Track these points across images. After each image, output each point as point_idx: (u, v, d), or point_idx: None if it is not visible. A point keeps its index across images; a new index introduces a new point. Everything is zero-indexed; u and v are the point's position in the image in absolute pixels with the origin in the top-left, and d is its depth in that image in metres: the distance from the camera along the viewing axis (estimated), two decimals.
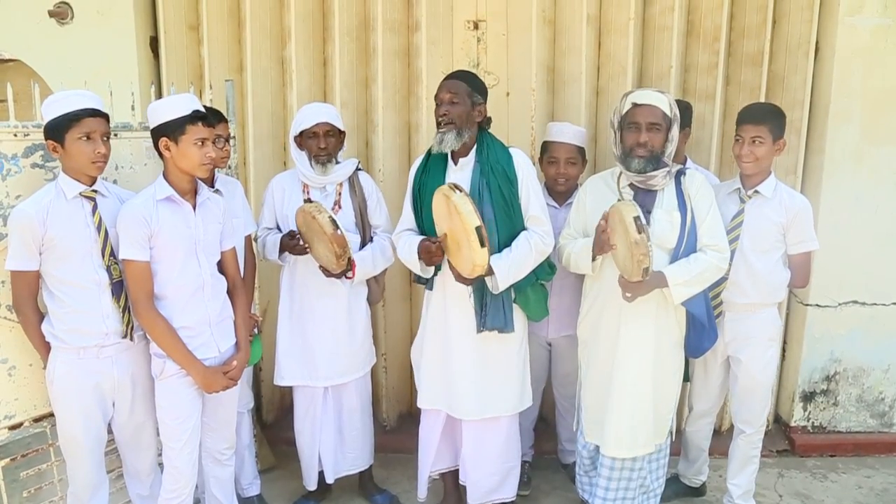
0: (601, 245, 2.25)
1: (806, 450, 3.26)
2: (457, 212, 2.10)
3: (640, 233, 2.04)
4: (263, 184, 2.79)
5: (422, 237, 2.37)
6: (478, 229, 2.08)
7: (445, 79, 2.38)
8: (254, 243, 2.64)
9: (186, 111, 2.00)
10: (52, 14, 3.06)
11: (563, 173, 2.71)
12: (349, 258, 2.40)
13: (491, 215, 2.29)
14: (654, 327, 2.31)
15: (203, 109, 2.06)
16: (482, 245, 2.09)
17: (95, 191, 2.04)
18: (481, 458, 2.51)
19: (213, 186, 2.38)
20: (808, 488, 3.02)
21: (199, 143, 2.02)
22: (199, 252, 2.11)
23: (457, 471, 2.68)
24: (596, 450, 2.48)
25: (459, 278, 2.29)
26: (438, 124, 2.33)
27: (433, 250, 2.29)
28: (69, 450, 2.09)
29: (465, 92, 2.30)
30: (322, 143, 2.50)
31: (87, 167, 1.98)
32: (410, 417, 3.43)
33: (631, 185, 2.33)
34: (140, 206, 2.01)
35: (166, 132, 2.01)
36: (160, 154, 2.06)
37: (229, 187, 2.47)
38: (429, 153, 2.45)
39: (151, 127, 2.04)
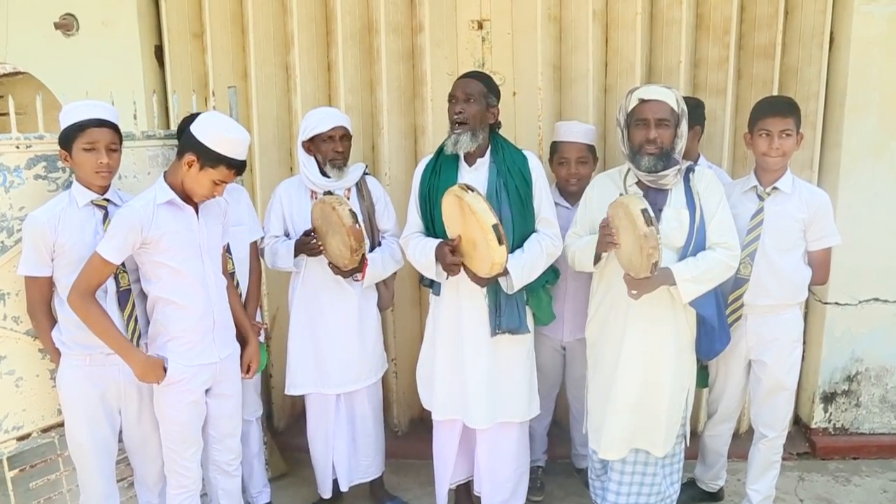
0: (604, 242, 2.20)
1: (827, 452, 3.17)
2: (471, 211, 2.07)
3: (648, 225, 1.98)
4: (270, 189, 2.78)
5: (438, 240, 2.33)
6: (495, 227, 2.05)
7: (461, 77, 2.35)
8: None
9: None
10: (57, 26, 3.09)
11: (574, 173, 2.66)
12: (362, 255, 2.38)
13: (508, 215, 2.27)
14: (661, 329, 2.26)
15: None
16: (500, 243, 2.06)
17: (107, 199, 2.05)
18: (496, 465, 2.48)
19: None
20: (831, 492, 2.93)
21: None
22: (204, 255, 2.09)
23: (468, 482, 2.65)
24: None
25: (475, 279, 2.26)
26: (453, 124, 2.30)
27: (449, 261, 2.24)
28: (77, 457, 2.11)
29: (480, 92, 2.29)
30: (339, 147, 2.49)
31: (91, 177, 2.00)
32: (422, 423, 3.40)
33: (639, 184, 2.28)
34: (139, 211, 1.96)
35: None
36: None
37: (234, 194, 2.46)
38: (438, 155, 2.42)
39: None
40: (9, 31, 3.12)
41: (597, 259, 2.28)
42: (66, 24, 3.09)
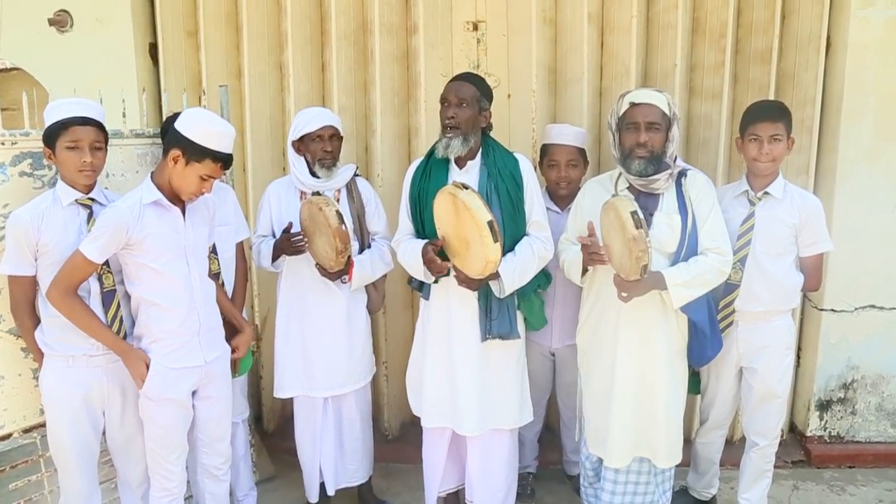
0: (589, 259, 2.18)
1: (823, 461, 3.14)
2: (466, 208, 2.04)
3: (637, 228, 1.96)
4: (263, 189, 2.76)
5: (425, 241, 2.31)
6: (490, 223, 2.02)
7: (453, 80, 2.33)
8: (246, 251, 2.61)
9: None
10: (51, 22, 3.07)
11: (564, 176, 2.64)
12: (348, 257, 2.36)
13: (499, 218, 2.24)
14: (653, 335, 2.23)
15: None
16: (495, 240, 2.03)
17: (92, 199, 2.03)
18: (489, 473, 2.46)
19: None
20: (825, 501, 2.90)
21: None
22: (189, 257, 2.07)
23: (457, 491, 2.63)
24: (599, 461, 2.42)
25: (466, 281, 2.23)
26: (445, 128, 2.28)
27: (432, 263, 2.22)
28: (59, 458, 2.08)
29: (473, 96, 2.26)
30: (328, 147, 2.47)
31: (75, 175, 1.98)
32: (413, 427, 3.36)
33: (630, 188, 2.26)
34: (126, 212, 1.94)
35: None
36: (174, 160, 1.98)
37: (221, 194, 2.44)
38: (428, 157, 2.40)
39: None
40: (2, 26, 3.11)
41: (583, 272, 2.27)
42: (61, 21, 3.07)
